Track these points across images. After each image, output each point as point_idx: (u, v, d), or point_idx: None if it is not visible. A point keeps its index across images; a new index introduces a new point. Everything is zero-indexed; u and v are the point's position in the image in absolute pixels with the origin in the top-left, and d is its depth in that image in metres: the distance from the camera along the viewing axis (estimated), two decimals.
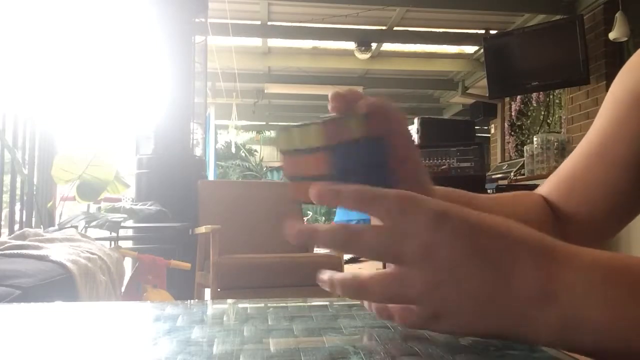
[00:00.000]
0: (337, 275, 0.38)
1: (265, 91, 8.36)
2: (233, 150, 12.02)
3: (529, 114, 6.82)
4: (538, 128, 6.53)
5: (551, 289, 0.33)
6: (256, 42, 6.65)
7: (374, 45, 6.52)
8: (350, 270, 0.37)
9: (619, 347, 0.32)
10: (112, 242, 3.05)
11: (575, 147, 0.68)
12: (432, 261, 0.34)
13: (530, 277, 0.33)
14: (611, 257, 0.34)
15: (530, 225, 0.58)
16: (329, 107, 0.44)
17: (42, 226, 3.01)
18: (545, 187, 0.66)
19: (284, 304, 0.58)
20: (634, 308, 0.32)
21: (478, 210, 0.46)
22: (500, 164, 6.12)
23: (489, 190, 3.80)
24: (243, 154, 12.25)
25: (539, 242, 0.35)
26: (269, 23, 6.06)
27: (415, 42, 6.65)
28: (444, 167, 3.54)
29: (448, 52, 7.20)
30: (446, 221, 0.34)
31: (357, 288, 0.36)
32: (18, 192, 3.00)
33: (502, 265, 0.34)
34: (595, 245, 0.66)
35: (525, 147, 5.30)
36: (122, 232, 3.26)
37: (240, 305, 0.57)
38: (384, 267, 0.39)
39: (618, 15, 4.43)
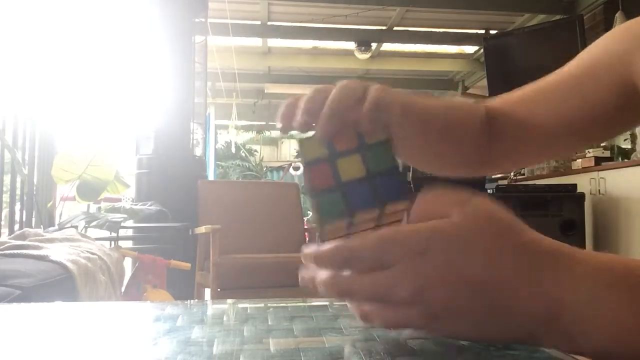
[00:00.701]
0: (320, 275, 0.37)
1: (265, 91, 8.36)
2: (233, 150, 12.00)
3: None
4: None
5: (555, 299, 0.33)
6: (256, 42, 6.66)
7: (374, 45, 6.52)
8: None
9: (621, 351, 0.33)
10: (112, 242, 3.05)
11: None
12: (427, 299, 0.34)
13: (533, 291, 0.34)
14: (613, 261, 0.35)
15: (465, 137, 0.57)
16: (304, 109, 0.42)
17: (42, 226, 3.01)
18: (505, 98, 0.66)
19: (284, 304, 0.58)
20: (636, 313, 0.32)
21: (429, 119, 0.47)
22: None
23: (488, 190, 3.80)
24: (243, 154, 12.24)
25: (540, 249, 0.35)
26: (269, 23, 6.06)
27: (415, 42, 6.65)
28: None
29: (448, 52, 7.21)
30: (432, 255, 0.34)
31: (342, 292, 0.36)
32: (18, 192, 2.99)
33: (500, 286, 0.34)
34: (540, 157, 0.69)
35: None
36: (122, 232, 3.26)
37: (240, 305, 0.57)
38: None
39: (618, 15, 4.43)
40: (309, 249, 0.37)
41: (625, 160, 4.11)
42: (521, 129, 0.62)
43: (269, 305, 0.57)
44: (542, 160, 0.78)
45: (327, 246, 0.36)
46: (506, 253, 0.34)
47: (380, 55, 7.10)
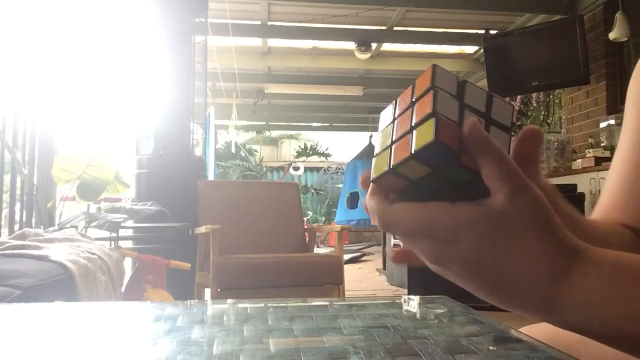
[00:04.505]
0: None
1: (265, 91, 8.36)
2: (233, 150, 12.00)
3: (529, 114, 6.82)
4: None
5: (557, 297, 0.35)
6: (256, 42, 6.65)
7: (374, 45, 6.52)
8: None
9: (616, 335, 0.35)
10: (112, 242, 3.04)
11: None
12: (447, 274, 0.38)
13: (538, 287, 0.35)
14: (621, 257, 0.36)
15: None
16: None
17: (42, 226, 3.01)
18: (600, 212, 0.60)
19: (284, 304, 0.58)
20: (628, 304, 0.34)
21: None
22: None
23: None
24: (243, 154, 12.23)
25: (562, 252, 0.36)
26: (269, 23, 6.05)
27: (415, 42, 6.65)
28: None
29: (448, 52, 7.20)
30: (455, 246, 0.36)
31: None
32: (18, 192, 2.99)
33: (513, 283, 0.36)
34: None
35: None
36: (122, 232, 3.25)
37: (240, 305, 0.57)
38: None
39: (618, 15, 4.43)
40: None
41: None
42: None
43: (269, 305, 0.57)
44: None
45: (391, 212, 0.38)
46: (530, 255, 0.35)
47: (380, 55, 7.09)
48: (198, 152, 4.29)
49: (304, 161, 12.67)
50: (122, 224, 2.88)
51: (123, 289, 2.56)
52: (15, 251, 1.95)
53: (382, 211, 0.38)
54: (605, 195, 0.60)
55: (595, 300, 0.35)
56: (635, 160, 0.57)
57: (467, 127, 0.34)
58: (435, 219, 0.36)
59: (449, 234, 0.36)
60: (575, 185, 3.82)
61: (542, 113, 6.58)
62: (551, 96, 6.41)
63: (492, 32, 5.93)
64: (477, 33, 6.21)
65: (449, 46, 6.89)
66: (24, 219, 3.06)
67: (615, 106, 4.79)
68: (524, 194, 0.35)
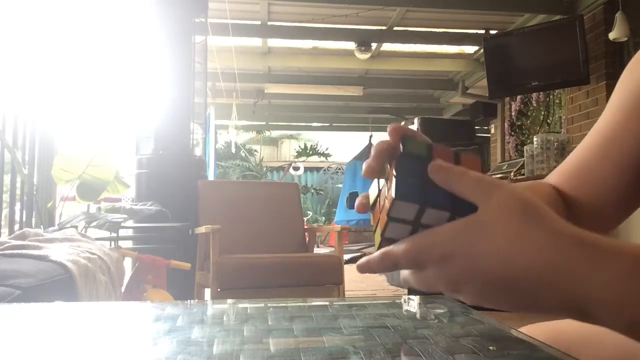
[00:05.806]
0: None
1: (265, 91, 8.35)
2: (233, 150, 12.00)
3: (529, 114, 6.82)
4: (538, 128, 6.53)
5: (575, 288, 0.35)
6: (256, 42, 6.65)
7: (374, 45, 6.51)
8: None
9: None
10: (112, 242, 3.04)
11: (575, 147, 0.68)
12: (462, 292, 0.38)
13: (554, 283, 0.35)
14: (634, 248, 0.36)
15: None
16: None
17: (42, 226, 3.01)
18: (554, 177, 0.66)
19: (284, 304, 0.59)
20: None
21: None
22: (500, 164, 6.12)
23: None
24: (243, 154, 12.23)
25: (563, 240, 0.36)
26: (269, 23, 6.05)
27: (415, 42, 6.65)
28: None
29: (448, 52, 7.20)
30: (457, 259, 0.37)
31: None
32: (18, 192, 2.99)
33: (522, 281, 0.36)
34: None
35: (525, 147, 5.29)
36: (122, 232, 3.25)
37: (240, 305, 0.57)
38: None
39: (618, 15, 4.42)
40: (363, 260, 0.44)
41: None
42: (577, 209, 0.63)
43: (269, 305, 0.57)
44: (630, 214, 0.75)
45: (376, 256, 0.42)
46: (527, 249, 0.36)
47: (380, 55, 7.09)
48: (198, 152, 4.29)
49: (304, 161, 12.67)
50: (122, 224, 2.88)
51: (123, 289, 2.56)
52: (15, 251, 1.95)
53: (384, 255, 0.41)
54: (564, 165, 0.65)
55: (618, 297, 0.34)
56: (597, 144, 0.62)
57: (433, 173, 0.39)
58: (427, 241, 0.38)
59: (443, 249, 0.37)
60: None
61: (542, 113, 6.58)
62: (551, 96, 6.41)
63: (492, 32, 5.93)
64: (477, 33, 6.20)
65: (449, 46, 6.89)
66: (24, 219, 3.06)
67: None
68: (497, 189, 0.37)
